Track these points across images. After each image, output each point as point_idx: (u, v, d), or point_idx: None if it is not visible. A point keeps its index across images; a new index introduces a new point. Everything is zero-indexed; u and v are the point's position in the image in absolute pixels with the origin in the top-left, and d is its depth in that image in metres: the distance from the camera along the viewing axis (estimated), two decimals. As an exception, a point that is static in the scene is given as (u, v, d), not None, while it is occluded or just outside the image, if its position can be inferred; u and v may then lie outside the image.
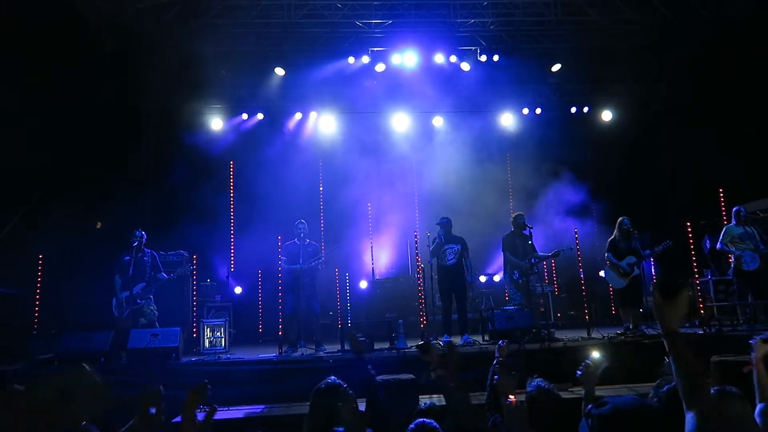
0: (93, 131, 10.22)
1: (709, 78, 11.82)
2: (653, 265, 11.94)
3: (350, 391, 3.40)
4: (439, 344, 8.40)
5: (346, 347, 8.22)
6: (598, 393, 6.13)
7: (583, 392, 3.35)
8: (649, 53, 12.87)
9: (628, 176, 13.45)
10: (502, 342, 4.54)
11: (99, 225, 11.30)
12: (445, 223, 9.13)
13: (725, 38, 11.23)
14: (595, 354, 3.35)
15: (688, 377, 1.89)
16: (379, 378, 5.75)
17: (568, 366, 7.06)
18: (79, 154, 10.06)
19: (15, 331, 8.54)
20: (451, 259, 8.94)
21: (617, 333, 8.38)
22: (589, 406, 1.90)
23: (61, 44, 9.03)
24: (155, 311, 8.41)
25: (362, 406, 3.92)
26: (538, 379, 3.39)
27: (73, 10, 9.52)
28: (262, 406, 6.43)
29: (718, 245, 9.20)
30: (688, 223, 10.13)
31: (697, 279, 9.94)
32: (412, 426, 2.92)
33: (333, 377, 3.68)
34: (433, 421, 2.97)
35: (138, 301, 8.24)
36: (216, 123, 13.89)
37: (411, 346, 8.01)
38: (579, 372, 3.29)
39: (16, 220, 8.85)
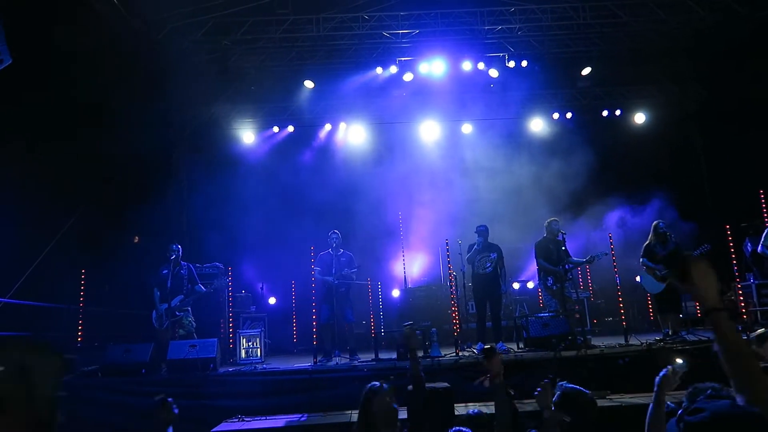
0: (128, 147, 10.50)
1: (746, 76, 11.52)
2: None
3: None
4: (474, 352, 8.37)
5: (380, 356, 8.24)
6: (627, 401, 6.04)
7: (653, 398, 3.27)
8: (683, 53, 12.62)
9: (664, 179, 13.18)
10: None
11: (136, 239, 11.59)
12: (483, 231, 9.08)
13: (762, 35, 10.95)
14: (679, 360, 3.27)
15: (733, 358, 1.76)
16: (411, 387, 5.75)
17: (604, 373, 6.98)
18: (115, 170, 10.35)
19: (60, 344, 8.80)
20: (489, 267, 8.89)
21: (656, 339, 8.20)
22: (679, 411, 1.77)
23: (97, 62, 9.33)
24: (193, 323, 8.57)
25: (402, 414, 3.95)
26: (562, 382, 3.36)
27: (109, 29, 9.85)
28: (299, 415, 6.48)
29: (759, 248, 8.92)
30: (728, 226, 9.87)
31: (738, 283, 9.67)
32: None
33: (376, 382, 3.73)
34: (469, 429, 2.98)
35: (176, 313, 8.41)
36: (248, 136, 14.17)
37: (445, 355, 7.98)
38: (660, 375, 3.21)
39: (59, 236, 9.14)
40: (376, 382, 3.66)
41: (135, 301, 9.58)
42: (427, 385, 5.81)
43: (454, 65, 12.58)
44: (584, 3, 11.31)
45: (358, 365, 7.67)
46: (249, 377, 7.39)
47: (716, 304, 1.85)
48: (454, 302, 9.63)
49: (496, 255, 8.95)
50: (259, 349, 9.06)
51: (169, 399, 3.27)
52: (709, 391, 2.67)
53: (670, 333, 8.44)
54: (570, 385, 3.36)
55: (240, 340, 9.10)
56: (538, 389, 3.31)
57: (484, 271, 8.89)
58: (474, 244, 9.07)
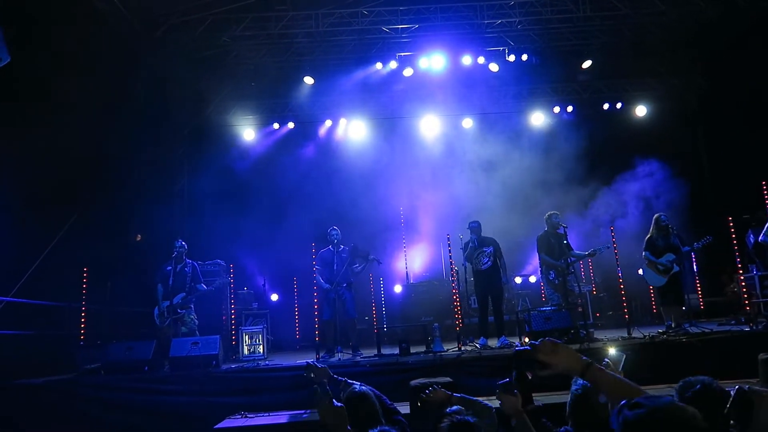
0: (129, 144, 10.50)
1: (747, 68, 11.47)
2: (695, 261, 11.64)
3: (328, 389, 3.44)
4: (476, 347, 8.37)
5: (382, 351, 8.24)
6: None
7: None
8: (684, 46, 12.58)
9: (665, 171, 13.14)
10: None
11: (139, 237, 11.59)
12: (476, 228, 9.02)
13: (763, 27, 10.89)
14: (612, 350, 3.29)
15: (623, 397, 1.72)
16: (415, 382, 5.77)
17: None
18: (116, 168, 10.34)
19: (63, 343, 8.82)
20: (486, 262, 8.85)
21: (659, 332, 8.18)
22: (623, 402, 1.67)
23: (96, 61, 9.33)
24: (195, 320, 8.57)
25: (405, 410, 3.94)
26: (582, 380, 3.30)
27: (109, 27, 9.84)
28: (302, 411, 6.48)
29: (761, 239, 8.90)
30: (730, 218, 9.84)
31: (741, 275, 9.64)
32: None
33: (358, 386, 3.72)
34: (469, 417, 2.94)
35: (179, 310, 8.42)
36: (248, 133, 14.17)
37: (447, 350, 7.98)
38: None
39: (61, 234, 9.14)
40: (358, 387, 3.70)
41: (137, 299, 9.59)
42: (429, 380, 5.82)
43: (453, 60, 12.55)
44: (584, -5, 11.28)
45: (361, 361, 7.67)
46: (251, 374, 7.40)
47: (583, 363, 1.89)
48: (456, 297, 9.61)
49: (492, 248, 8.90)
50: (261, 346, 9.05)
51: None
52: (698, 386, 2.60)
53: (672, 325, 8.42)
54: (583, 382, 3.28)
55: (242, 337, 9.09)
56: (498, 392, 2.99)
57: (482, 267, 8.85)
58: (468, 242, 9.04)
